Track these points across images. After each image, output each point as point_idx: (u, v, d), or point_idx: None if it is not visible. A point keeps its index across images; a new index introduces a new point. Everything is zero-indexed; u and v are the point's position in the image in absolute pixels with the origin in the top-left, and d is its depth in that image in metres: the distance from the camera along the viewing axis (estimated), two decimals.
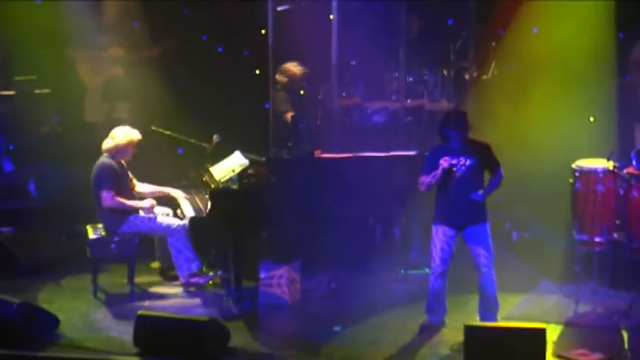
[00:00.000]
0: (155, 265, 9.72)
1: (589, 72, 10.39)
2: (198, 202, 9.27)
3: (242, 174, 8.98)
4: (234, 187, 8.95)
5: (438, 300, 8.10)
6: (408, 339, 7.99)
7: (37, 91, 11.38)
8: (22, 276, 9.45)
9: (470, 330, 7.34)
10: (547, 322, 7.97)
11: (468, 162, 7.89)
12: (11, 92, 11.41)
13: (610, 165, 8.55)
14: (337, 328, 8.21)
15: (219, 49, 11.88)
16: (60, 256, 9.97)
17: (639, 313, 8.38)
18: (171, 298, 8.99)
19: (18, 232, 10.28)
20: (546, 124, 10.24)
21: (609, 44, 10.59)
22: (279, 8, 10.51)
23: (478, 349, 7.25)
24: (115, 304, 8.85)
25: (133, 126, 9.28)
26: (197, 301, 8.93)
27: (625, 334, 8.07)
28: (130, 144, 9.13)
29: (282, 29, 10.37)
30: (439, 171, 7.83)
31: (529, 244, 10.10)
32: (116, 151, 9.09)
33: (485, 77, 11.25)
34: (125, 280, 9.13)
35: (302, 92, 10.13)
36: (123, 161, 9.20)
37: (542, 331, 7.30)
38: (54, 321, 8.08)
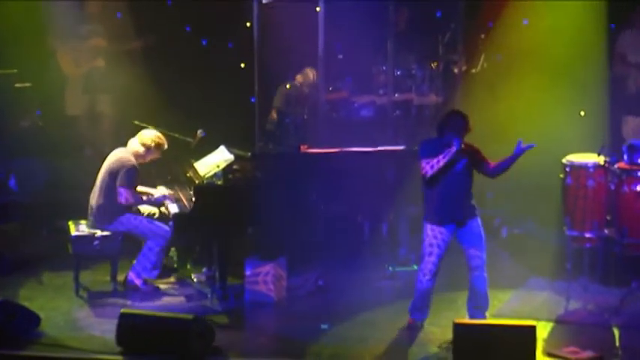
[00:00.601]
0: None
1: (579, 65, 10.39)
2: (182, 199, 9.15)
3: (227, 169, 8.89)
4: (219, 182, 8.86)
5: (427, 300, 8.01)
6: (396, 336, 7.92)
7: (17, 85, 11.21)
8: (2, 272, 9.31)
9: (459, 327, 7.25)
10: (537, 319, 7.88)
11: (463, 160, 7.78)
12: None
13: (601, 160, 8.50)
14: (324, 326, 8.12)
15: (204, 42, 11.78)
16: (41, 253, 9.86)
17: (630, 310, 8.33)
18: (155, 296, 8.86)
19: None
20: (536, 118, 10.18)
21: (599, 37, 10.55)
22: (264, 0, 10.39)
23: (467, 346, 7.17)
24: (98, 302, 8.74)
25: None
26: (181, 299, 8.83)
27: (616, 332, 8.02)
28: (156, 154, 9.07)
29: (268, 22, 10.31)
30: (453, 149, 7.60)
31: (519, 240, 10.06)
32: (141, 157, 8.99)
33: (474, 71, 11.20)
34: (108, 278, 9.02)
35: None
36: None
37: (533, 329, 7.22)
38: (35, 319, 7.96)
